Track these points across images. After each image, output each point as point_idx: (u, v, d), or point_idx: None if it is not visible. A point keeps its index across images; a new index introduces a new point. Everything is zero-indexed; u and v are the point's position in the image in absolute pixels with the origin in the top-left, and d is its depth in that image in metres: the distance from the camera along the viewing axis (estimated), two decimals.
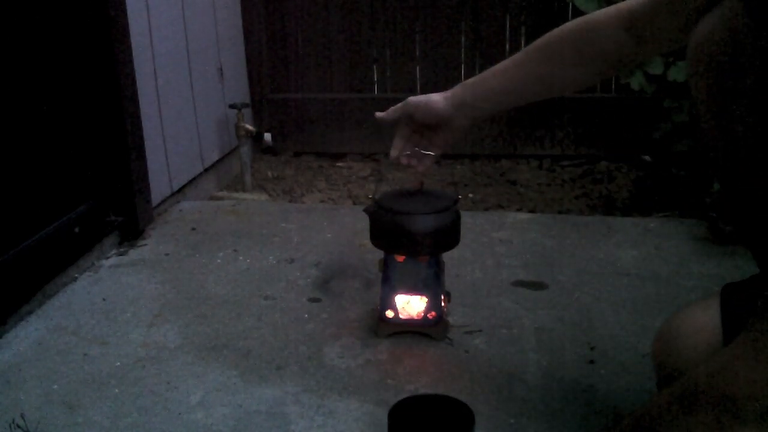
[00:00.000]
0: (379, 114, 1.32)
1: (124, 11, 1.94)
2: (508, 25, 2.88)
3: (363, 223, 1.53)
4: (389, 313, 1.51)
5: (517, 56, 1.18)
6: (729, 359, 0.80)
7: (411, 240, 1.41)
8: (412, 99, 1.28)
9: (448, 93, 1.25)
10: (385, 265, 1.49)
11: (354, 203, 2.56)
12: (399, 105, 1.30)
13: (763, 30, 0.74)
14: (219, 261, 1.91)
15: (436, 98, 1.25)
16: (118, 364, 1.44)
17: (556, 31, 1.12)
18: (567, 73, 1.12)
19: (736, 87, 0.79)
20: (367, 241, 1.50)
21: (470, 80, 1.23)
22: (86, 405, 1.31)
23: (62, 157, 1.87)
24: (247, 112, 2.84)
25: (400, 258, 1.46)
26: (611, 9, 1.06)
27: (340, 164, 2.99)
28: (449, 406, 1.11)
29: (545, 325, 1.56)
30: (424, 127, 1.30)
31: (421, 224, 1.40)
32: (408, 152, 1.32)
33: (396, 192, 1.52)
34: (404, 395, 1.17)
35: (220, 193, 2.61)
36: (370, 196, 1.49)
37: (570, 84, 1.15)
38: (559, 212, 2.41)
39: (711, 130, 0.85)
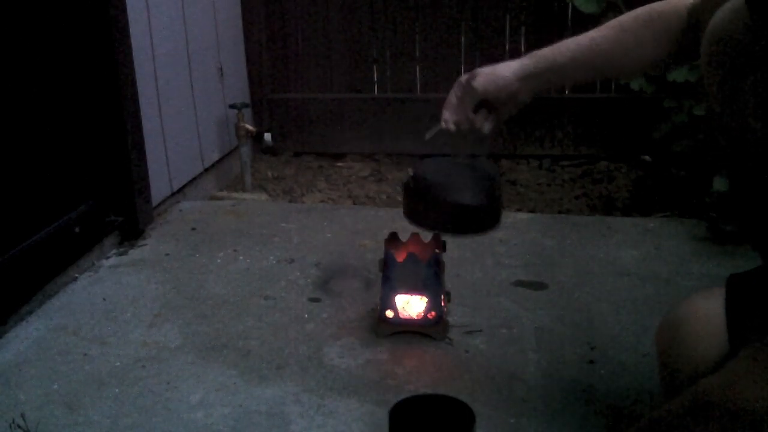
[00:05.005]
0: (446, 121, 1.27)
1: (124, 11, 1.94)
2: (508, 25, 2.88)
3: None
4: (389, 313, 1.51)
5: (588, 33, 1.16)
6: (742, 372, 0.79)
7: (467, 216, 1.28)
8: (478, 85, 1.22)
9: (515, 63, 1.20)
10: (385, 265, 1.49)
11: (354, 203, 2.56)
12: (466, 96, 1.25)
13: None
14: (219, 261, 1.91)
15: (502, 73, 1.20)
16: (118, 364, 1.44)
17: (629, 12, 1.12)
18: (635, 50, 1.11)
19: (749, 81, 0.78)
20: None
21: (540, 51, 1.19)
22: (86, 405, 1.31)
23: (62, 157, 1.87)
24: (247, 112, 2.83)
25: (401, 258, 1.46)
26: None
27: (340, 164, 2.99)
28: (449, 406, 1.11)
29: (545, 325, 1.56)
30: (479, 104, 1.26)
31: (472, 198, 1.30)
32: (457, 118, 1.28)
33: (438, 162, 1.39)
34: (404, 395, 1.17)
35: (220, 193, 2.61)
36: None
37: (636, 63, 1.13)
38: (559, 212, 2.41)
39: (723, 125, 0.85)
